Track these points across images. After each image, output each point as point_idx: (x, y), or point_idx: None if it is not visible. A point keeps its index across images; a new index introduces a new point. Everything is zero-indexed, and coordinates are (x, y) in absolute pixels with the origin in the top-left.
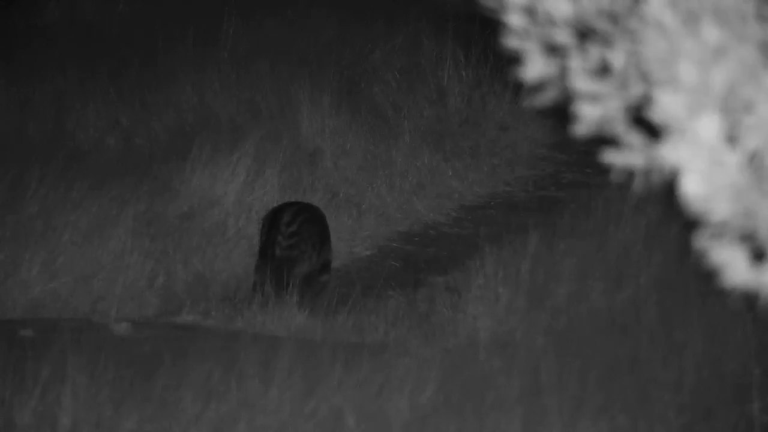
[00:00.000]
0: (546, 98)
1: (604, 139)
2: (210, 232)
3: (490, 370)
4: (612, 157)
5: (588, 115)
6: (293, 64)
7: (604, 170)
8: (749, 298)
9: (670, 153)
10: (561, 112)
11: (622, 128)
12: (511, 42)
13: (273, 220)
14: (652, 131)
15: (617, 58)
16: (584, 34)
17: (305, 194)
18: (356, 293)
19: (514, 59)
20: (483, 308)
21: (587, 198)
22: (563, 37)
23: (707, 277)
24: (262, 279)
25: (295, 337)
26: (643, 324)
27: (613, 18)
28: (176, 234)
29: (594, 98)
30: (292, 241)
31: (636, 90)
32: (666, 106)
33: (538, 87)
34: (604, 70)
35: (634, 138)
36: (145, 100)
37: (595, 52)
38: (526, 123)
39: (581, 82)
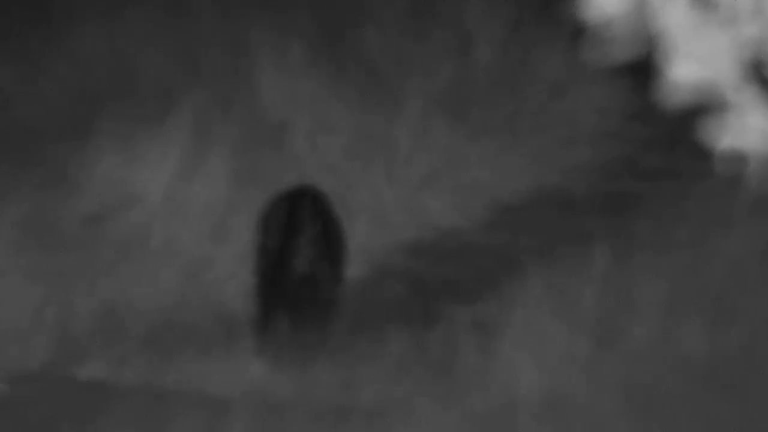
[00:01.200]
0: (619, 47)
1: (703, 108)
2: (127, 242)
3: None
4: (715, 134)
5: (681, 72)
6: (249, 1)
7: (704, 153)
8: None
9: None
10: (641, 67)
11: (730, 91)
12: None
13: (289, 217)
14: None
15: None
16: None
17: (268, 187)
18: (342, 332)
19: None
20: (526, 354)
21: (679, 194)
22: None
23: None
24: (273, 310)
25: (252, 397)
26: (758, 376)
27: None
28: (78, 246)
29: (690, 47)
30: (315, 251)
31: (751, 32)
32: None
33: (607, 30)
34: (704, 3)
35: (748, 105)
36: (34, 53)
37: None
38: (590, 83)
39: (671, 20)
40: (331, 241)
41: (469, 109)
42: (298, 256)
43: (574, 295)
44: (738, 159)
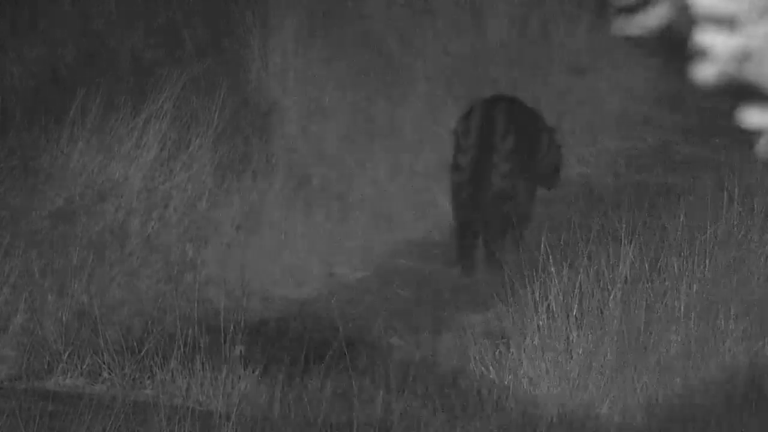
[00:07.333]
0: (648, 21)
1: (744, 89)
2: (102, 241)
3: None
4: (757, 120)
5: (718, 51)
6: None
7: (743, 140)
8: None
9: None
10: (674, 46)
11: None
12: None
13: (485, 126)
14: None
15: None
16: None
17: (257, 178)
18: (339, 342)
19: None
20: (546, 366)
21: (716, 187)
22: None
23: None
24: (469, 227)
25: (240, 411)
26: None
27: None
28: (46, 244)
29: (728, 22)
30: (510, 165)
31: None
32: None
33: (635, 4)
34: None
35: None
36: (1, 34)
37: None
38: (616, 64)
39: None
40: (524, 153)
41: (482, 92)
42: (492, 170)
43: (599, 300)
44: None
